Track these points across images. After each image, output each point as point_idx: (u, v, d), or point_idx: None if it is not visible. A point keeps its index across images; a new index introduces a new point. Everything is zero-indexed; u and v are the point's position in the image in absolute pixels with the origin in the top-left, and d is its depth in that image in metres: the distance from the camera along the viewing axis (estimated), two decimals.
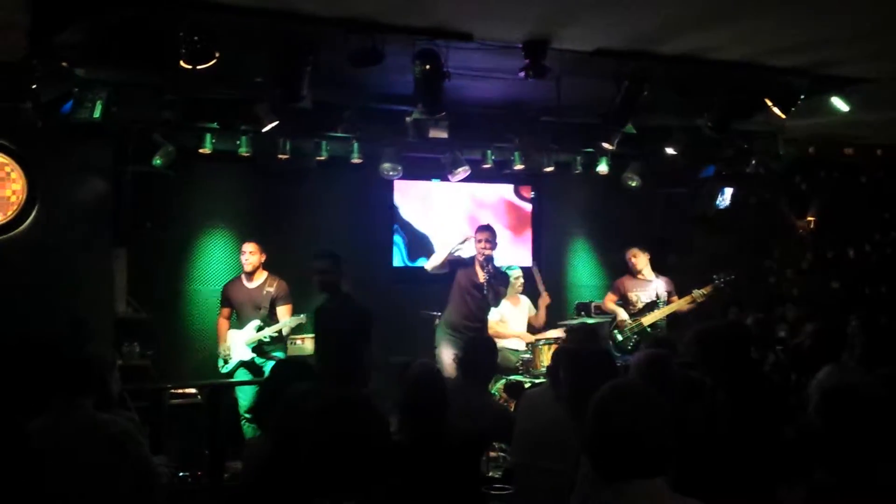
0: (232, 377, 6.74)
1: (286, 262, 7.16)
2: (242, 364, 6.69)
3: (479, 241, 6.70)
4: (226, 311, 6.85)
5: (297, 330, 6.84)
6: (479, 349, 4.93)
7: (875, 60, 5.79)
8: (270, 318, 6.72)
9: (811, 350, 4.75)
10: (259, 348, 6.70)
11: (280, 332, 6.69)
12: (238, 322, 6.80)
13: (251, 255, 6.73)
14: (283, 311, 6.73)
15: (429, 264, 6.82)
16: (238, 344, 6.70)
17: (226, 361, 6.73)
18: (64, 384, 3.50)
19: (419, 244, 8.40)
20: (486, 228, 6.81)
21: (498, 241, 6.79)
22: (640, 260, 7.50)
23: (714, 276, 7.28)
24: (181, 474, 5.74)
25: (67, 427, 3.40)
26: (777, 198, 9.09)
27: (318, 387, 3.00)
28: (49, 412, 3.45)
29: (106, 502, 3.35)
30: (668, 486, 2.11)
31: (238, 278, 6.88)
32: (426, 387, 3.48)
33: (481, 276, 6.63)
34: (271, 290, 6.76)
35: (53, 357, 3.93)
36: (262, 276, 6.80)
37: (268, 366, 6.57)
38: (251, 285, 6.79)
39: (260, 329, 6.67)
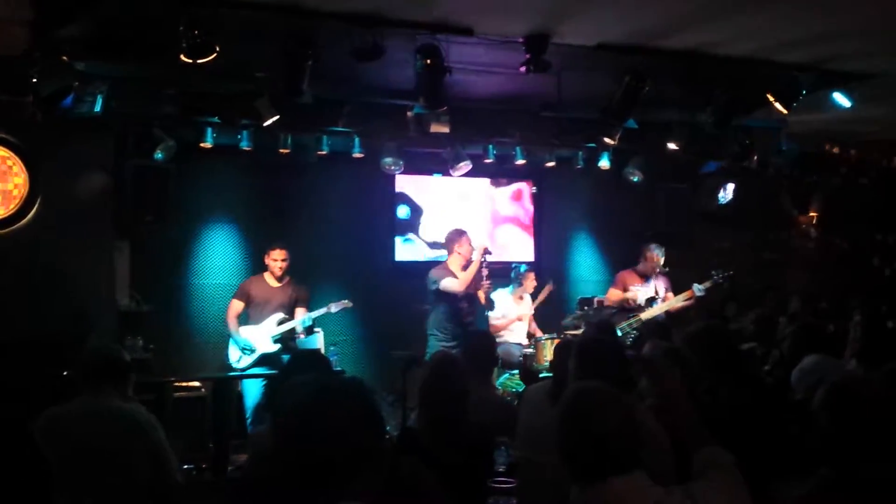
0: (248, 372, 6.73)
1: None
2: (264, 358, 6.68)
3: (467, 245, 6.69)
4: (240, 306, 6.82)
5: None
6: (477, 341, 4.95)
7: (877, 56, 5.78)
8: (289, 316, 6.81)
9: (793, 349, 4.80)
10: (283, 342, 6.75)
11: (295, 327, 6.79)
12: (253, 318, 6.80)
13: (283, 262, 6.79)
14: (299, 313, 6.83)
15: (459, 286, 6.64)
16: (261, 337, 6.70)
17: (252, 351, 6.69)
18: (97, 373, 3.63)
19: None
20: (461, 233, 6.80)
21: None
22: (659, 261, 7.40)
23: (713, 272, 7.27)
24: (186, 467, 5.76)
25: (95, 412, 3.53)
26: (779, 193, 9.08)
27: (320, 377, 3.01)
28: (79, 398, 3.60)
29: (128, 485, 3.46)
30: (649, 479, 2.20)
31: (261, 277, 6.90)
32: (446, 375, 3.48)
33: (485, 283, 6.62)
34: (297, 291, 6.88)
35: (89, 348, 4.09)
36: (286, 277, 6.89)
37: None
38: (276, 285, 6.86)
39: (282, 322, 6.72)
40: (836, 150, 8.91)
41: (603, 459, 2.16)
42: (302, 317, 6.80)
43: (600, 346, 3.64)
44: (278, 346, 6.71)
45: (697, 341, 3.89)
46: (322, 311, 6.84)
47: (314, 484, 1.91)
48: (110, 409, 3.55)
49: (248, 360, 6.69)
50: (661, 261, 7.40)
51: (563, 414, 2.26)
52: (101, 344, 4.56)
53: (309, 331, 6.88)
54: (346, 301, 6.98)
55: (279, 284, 6.85)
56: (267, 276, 6.88)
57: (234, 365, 6.74)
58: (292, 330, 6.79)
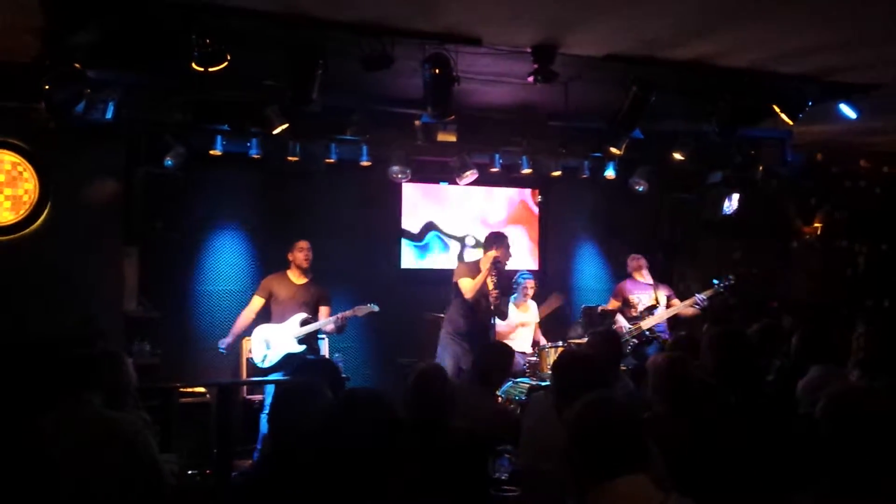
0: (271, 373, 6.76)
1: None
2: (289, 358, 6.69)
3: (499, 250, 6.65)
4: (261, 302, 6.88)
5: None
6: (492, 356, 4.96)
7: (880, 67, 5.80)
8: (312, 315, 6.86)
9: (796, 356, 4.80)
10: (307, 342, 6.79)
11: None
12: (274, 317, 6.86)
13: (309, 251, 6.87)
14: (323, 312, 6.89)
15: (469, 292, 6.64)
16: (285, 337, 6.74)
17: (264, 358, 6.73)
18: (71, 381, 3.54)
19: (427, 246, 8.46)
20: (499, 237, 6.75)
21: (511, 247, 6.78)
22: (632, 263, 7.67)
23: (714, 280, 7.31)
24: (190, 472, 5.78)
25: (74, 424, 3.43)
26: (784, 204, 9.09)
27: (311, 381, 3.05)
28: (56, 409, 3.48)
29: (112, 499, 3.37)
30: (653, 483, 2.26)
31: (284, 274, 6.95)
32: (430, 386, 3.52)
33: (490, 284, 6.58)
34: (318, 289, 6.93)
35: (60, 354, 3.95)
36: (308, 275, 6.95)
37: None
38: (299, 282, 6.91)
39: (305, 323, 6.76)
40: (841, 160, 8.93)
41: (613, 458, 2.24)
42: (326, 316, 6.85)
43: (579, 363, 3.70)
44: (303, 346, 6.75)
45: (718, 344, 3.92)
46: (348, 313, 6.83)
47: (337, 486, 1.96)
48: (92, 418, 3.45)
49: (271, 358, 6.73)
50: (644, 264, 7.64)
51: (577, 415, 2.36)
52: (73, 349, 4.46)
53: (340, 329, 6.89)
54: (372, 305, 6.92)
55: (302, 282, 6.90)
56: (290, 273, 6.93)
57: (259, 364, 6.77)
58: (317, 330, 6.85)
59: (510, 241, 6.75)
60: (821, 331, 4.91)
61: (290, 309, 6.82)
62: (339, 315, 6.80)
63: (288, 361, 6.70)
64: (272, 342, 6.74)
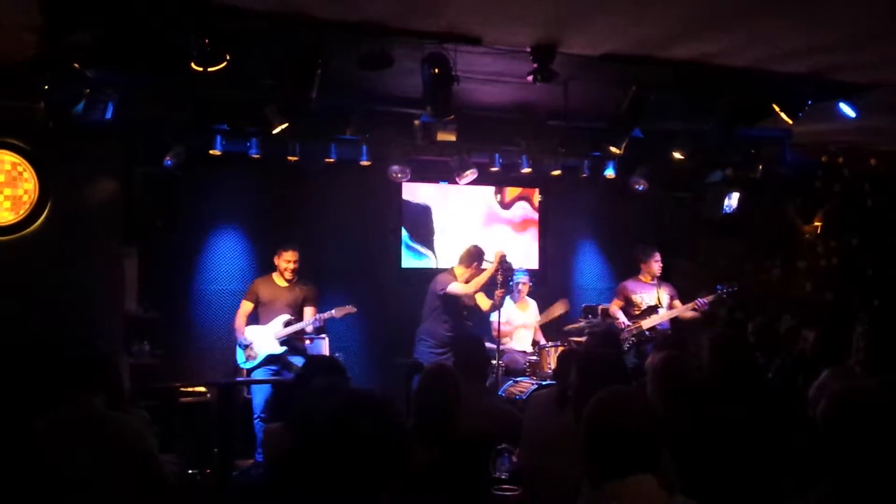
0: (252, 373, 6.82)
1: None
2: (271, 358, 6.75)
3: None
4: (250, 306, 6.93)
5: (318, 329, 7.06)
6: (467, 346, 4.98)
7: (880, 66, 5.80)
8: (296, 316, 6.90)
9: (814, 356, 4.79)
10: (289, 343, 6.83)
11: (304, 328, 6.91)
12: (261, 318, 6.90)
13: (294, 263, 6.91)
14: (308, 312, 6.93)
15: (470, 289, 6.82)
16: (266, 338, 6.78)
17: (248, 358, 6.78)
18: (73, 381, 3.53)
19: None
20: (482, 252, 6.98)
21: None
22: (656, 266, 7.59)
23: (718, 286, 7.31)
24: (190, 472, 5.79)
25: (76, 424, 3.43)
26: (784, 203, 9.09)
27: (337, 383, 3.05)
28: (58, 409, 3.48)
29: (114, 499, 3.36)
30: (660, 486, 2.25)
31: (269, 277, 7.02)
32: (439, 385, 3.52)
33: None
34: (304, 290, 6.98)
35: (62, 354, 3.95)
36: (294, 278, 6.99)
37: (298, 361, 6.70)
38: (284, 284, 6.96)
39: (288, 324, 6.78)
40: (841, 159, 8.91)
41: (627, 456, 2.24)
42: (310, 316, 6.89)
43: (603, 360, 3.68)
44: (284, 347, 6.79)
45: (718, 348, 3.93)
46: (326, 315, 6.91)
47: (340, 486, 1.97)
48: (94, 419, 3.46)
49: (254, 359, 6.77)
50: (658, 266, 7.59)
51: (593, 409, 2.34)
52: (72, 348, 4.46)
53: (319, 330, 6.95)
54: (350, 306, 7.02)
55: (287, 284, 6.94)
56: (275, 276, 6.98)
57: (242, 365, 6.82)
58: (301, 331, 6.88)
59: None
60: (837, 332, 4.90)
61: (275, 310, 6.88)
62: (318, 316, 6.87)
63: (270, 361, 6.76)
64: (255, 343, 6.77)
